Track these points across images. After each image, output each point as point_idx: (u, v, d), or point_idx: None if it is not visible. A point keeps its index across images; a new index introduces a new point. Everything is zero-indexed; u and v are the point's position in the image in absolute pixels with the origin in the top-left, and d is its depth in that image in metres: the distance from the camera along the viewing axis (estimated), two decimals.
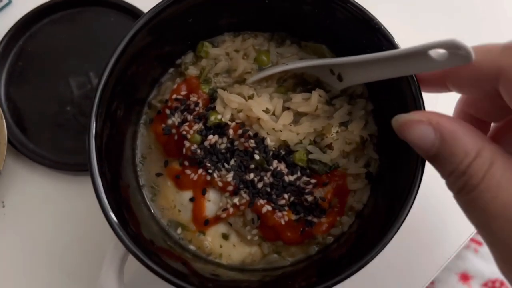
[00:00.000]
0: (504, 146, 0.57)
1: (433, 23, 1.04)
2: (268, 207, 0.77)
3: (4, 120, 0.92)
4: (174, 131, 0.81)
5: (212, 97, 0.82)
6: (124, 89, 0.75)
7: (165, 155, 0.83)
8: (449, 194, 0.91)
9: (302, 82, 0.83)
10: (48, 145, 0.95)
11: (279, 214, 0.77)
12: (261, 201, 0.77)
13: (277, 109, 0.80)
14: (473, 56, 0.55)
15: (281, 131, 0.78)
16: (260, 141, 0.79)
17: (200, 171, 0.79)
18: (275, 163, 0.78)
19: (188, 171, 0.80)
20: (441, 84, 0.66)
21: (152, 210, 0.83)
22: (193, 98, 0.81)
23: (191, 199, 0.80)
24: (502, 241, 0.54)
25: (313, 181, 0.78)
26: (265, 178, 0.78)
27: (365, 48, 0.75)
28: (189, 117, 0.80)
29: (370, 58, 0.67)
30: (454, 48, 0.56)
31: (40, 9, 1.00)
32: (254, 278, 0.78)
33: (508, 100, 0.56)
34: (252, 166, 0.78)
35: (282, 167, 0.78)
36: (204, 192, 0.80)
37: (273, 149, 0.79)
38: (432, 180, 0.68)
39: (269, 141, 0.79)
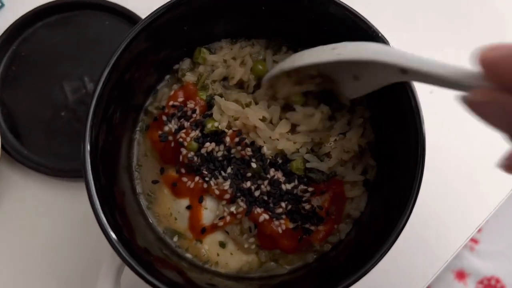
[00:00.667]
0: None
1: (433, 25, 1.05)
2: (265, 216, 0.77)
3: None
4: (170, 138, 0.80)
5: (209, 104, 0.82)
6: (120, 96, 0.74)
7: (162, 162, 0.83)
8: (447, 196, 0.92)
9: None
10: (43, 151, 0.93)
11: (276, 222, 0.77)
12: (258, 210, 0.77)
13: (274, 118, 0.80)
14: None
15: (278, 139, 0.78)
16: (257, 149, 0.78)
17: (197, 178, 0.79)
18: (272, 171, 0.78)
19: (185, 179, 0.79)
20: None
21: (148, 218, 0.82)
22: (190, 104, 0.81)
23: (188, 207, 0.80)
24: None
25: (310, 189, 0.78)
26: (262, 186, 0.77)
27: None
28: (186, 124, 0.80)
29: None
30: None
31: (34, 12, 0.98)
32: (251, 287, 0.77)
33: None
34: (249, 174, 0.78)
35: (279, 175, 0.78)
36: (201, 200, 0.79)
37: (270, 157, 0.79)
38: (430, 182, 0.68)
39: (265, 150, 0.78)
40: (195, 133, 0.79)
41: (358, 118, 0.81)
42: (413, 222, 0.68)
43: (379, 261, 0.66)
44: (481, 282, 1.64)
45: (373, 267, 0.66)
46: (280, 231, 0.77)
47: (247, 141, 0.78)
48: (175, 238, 0.81)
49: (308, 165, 0.78)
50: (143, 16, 0.94)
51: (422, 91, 0.69)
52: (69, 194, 0.94)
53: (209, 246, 0.80)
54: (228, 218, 0.78)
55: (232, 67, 0.83)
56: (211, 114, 0.80)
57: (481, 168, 0.97)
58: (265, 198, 0.78)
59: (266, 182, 0.78)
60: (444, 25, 1.04)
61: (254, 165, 0.77)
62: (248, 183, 0.78)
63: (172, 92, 0.83)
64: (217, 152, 0.79)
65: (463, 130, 0.99)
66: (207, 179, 0.78)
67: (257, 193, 0.78)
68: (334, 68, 0.73)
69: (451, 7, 1.05)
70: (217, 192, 0.78)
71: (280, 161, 0.79)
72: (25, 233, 0.93)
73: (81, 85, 0.96)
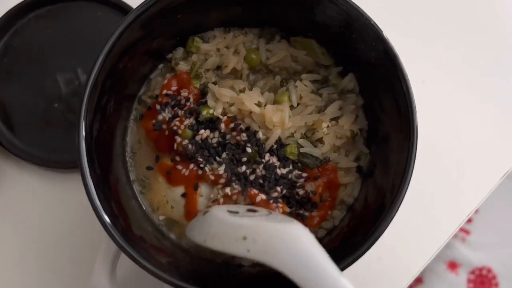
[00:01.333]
0: None
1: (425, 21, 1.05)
2: (262, 196, 0.77)
3: None
4: (164, 126, 0.81)
5: (203, 92, 0.82)
6: (113, 85, 0.74)
7: (156, 150, 0.83)
8: (438, 185, 0.93)
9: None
10: (37, 143, 0.93)
11: (274, 205, 0.77)
12: (255, 191, 0.77)
13: (269, 103, 0.80)
14: None
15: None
16: (252, 134, 0.79)
17: (191, 166, 0.79)
18: (267, 156, 0.78)
19: (179, 167, 0.79)
20: None
21: (143, 206, 0.82)
22: (184, 93, 0.81)
23: (183, 195, 0.80)
24: None
25: (304, 174, 0.79)
26: (258, 170, 0.78)
27: (355, 43, 0.76)
28: (180, 112, 0.80)
29: None
30: None
31: (25, 3, 0.98)
32: (247, 274, 0.78)
33: None
34: (244, 159, 0.78)
35: (274, 160, 0.78)
36: (196, 188, 0.79)
37: (265, 142, 0.79)
38: (421, 171, 0.69)
39: (261, 135, 0.79)
40: (189, 121, 0.79)
41: (350, 105, 0.81)
42: (404, 211, 0.69)
43: (370, 247, 0.67)
44: (472, 272, 1.66)
45: (363, 254, 0.67)
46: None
47: (242, 126, 0.79)
48: (171, 226, 0.81)
49: (302, 150, 0.79)
50: (134, 7, 0.95)
51: (414, 80, 0.70)
52: (63, 186, 0.94)
53: None
54: (221, 200, 0.78)
55: (225, 55, 0.83)
56: (205, 102, 0.80)
57: (471, 157, 0.99)
58: (261, 181, 0.78)
59: (261, 166, 0.78)
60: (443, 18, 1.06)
61: (249, 150, 0.78)
62: (243, 167, 0.78)
63: (166, 81, 0.83)
64: (211, 139, 0.79)
65: (453, 120, 1.00)
66: (202, 165, 0.78)
67: (252, 177, 0.78)
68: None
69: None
70: (212, 177, 0.78)
71: (275, 146, 0.79)
72: (19, 224, 0.93)
73: (74, 77, 0.96)
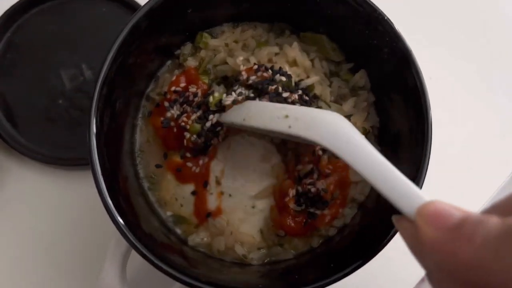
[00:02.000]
0: None
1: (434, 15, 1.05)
2: None
3: None
4: (173, 123, 0.79)
5: (210, 87, 0.81)
6: (122, 82, 0.73)
7: (165, 148, 0.82)
8: (445, 184, 0.92)
9: None
10: (40, 140, 0.92)
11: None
12: None
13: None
14: None
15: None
16: (279, 69, 0.76)
17: (201, 162, 0.78)
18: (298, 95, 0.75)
19: (189, 164, 0.78)
20: None
21: (152, 204, 0.81)
22: (192, 89, 0.80)
23: (193, 193, 0.79)
24: None
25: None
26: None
27: (367, 39, 0.75)
28: (188, 109, 0.79)
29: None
30: None
31: None
32: (257, 274, 0.77)
33: None
34: (273, 87, 0.74)
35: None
36: (205, 185, 0.78)
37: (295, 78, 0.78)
38: (429, 170, 0.68)
39: (287, 69, 0.78)
40: (196, 115, 0.77)
41: (362, 102, 0.81)
42: None
43: (383, 247, 0.66)
44: None
45: (377, 253, 0.66)
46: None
47: (266, 65, 0.77)
48: (179, 224, 0.80)
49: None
50: (140, 2, 0.94)
51: None
52: (67, 183, 0.93)
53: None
54: None
55: (233, 50, 0.82)
56: (212, 92, 0.77)
57: (479, 155, 0.99)
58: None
59: (295, 95, 0.74)
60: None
61: (283, 78, 0.74)
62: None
63: (174, 78, 0.82)
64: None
65: (460, 117, 1.00)
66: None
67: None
68: None
69: None
70: None
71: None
72: (24, 221, 0.92)
73: (78, 73, 0.95)
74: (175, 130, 0.79)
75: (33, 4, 0.98)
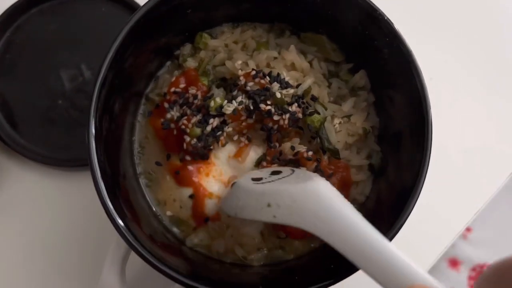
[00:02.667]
0: None
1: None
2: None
3: None
4: (173, 125, 0.79)
5: (211, 89, 0.80)
6: (121, 82, 0.73)
7: (166, 149, 0.81)
8: (444, 184, 0.92)
9: None
10: (40, 141, 0.92)
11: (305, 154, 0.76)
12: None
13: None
14: None
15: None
16: (276, 76, 0.77)
17: (201, 167, 0.78)
18: (294, 106, 0.76)
19: (190, 167, 0.78)
20: None
21: (149, 202, 0.81)
22: (192, 90, 0.79)
23: (191, 196, 0.78)
24: None
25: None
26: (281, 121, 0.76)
27: (367, 39, 0.75)
28: (188, 111, 0.78)
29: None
30: None
31: None
32: (257, 276, 0.77)
33: None
34: (269, 103, 0.75)
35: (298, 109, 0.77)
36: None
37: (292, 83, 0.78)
38: (431, 173, 0.68)
39: (285, 75, 0.78)
40: (196, 118, 0.77)
41: (361, 102, 0.81)
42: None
43: None
44: (473, 269, 1.66)
45: None
46: None
47: (264, 71, 0.77)
48: (179, 226, 0.80)
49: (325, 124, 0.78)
50: (139, 2, 0.94)
51: None
52: (68, 183, 0.93)
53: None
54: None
55: (233, 51, 0.82)
56: (212, 96, 0.77)
57: (478, 155, 0.98)
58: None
59: (287, 115, 0.76)
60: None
61: (278, 94, 0.75)
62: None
63: (174, 79, 0.82)
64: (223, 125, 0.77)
65: (460, 118, 1.00)
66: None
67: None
68: None
69: None
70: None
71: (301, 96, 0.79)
72: (24, 222, 0.92)
73: (78, 73, 0.95)
74: (175, 132, 0.79)
75: (33, 4, 0.97)
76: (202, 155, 0.77)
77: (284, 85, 0.77)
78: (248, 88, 0.76)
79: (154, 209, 0.81)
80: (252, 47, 0.83)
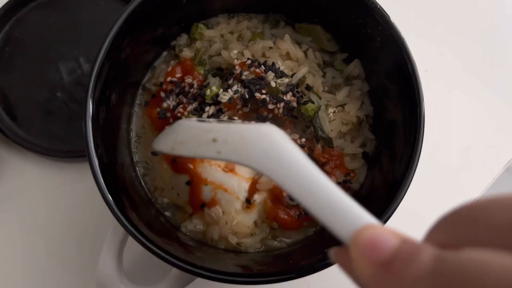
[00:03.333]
0: None
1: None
2: None
3: None
4: (169, 114, 0.80)
5: (206, 78, 0.81)
6: (118, 73, 0.74)
7: None
8: (438, 175, 0.92)
9: None
10: (40, 132, 0.93)
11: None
12: None
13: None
14: None
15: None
16: (271, 66, 0.78)
17: None
18: (289, 95, 0.77)
19: None
20: None
21: (148, 191, 0.82)
22: (188, 79, 0.80)
23: (188, 183, 0.79)
24: None
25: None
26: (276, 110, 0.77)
27: (361, 28, 0.76)
28: (184, 99, 0.79)
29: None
30: None
31: None
32: (251, 260, 0.78)
33: None
34: (264, 91, 0.76)
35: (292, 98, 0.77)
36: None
37: (287, 72, 0.79)
38: (422, 162, 0.68)
39: (280, 64, 0.78)
40: (192, 106, 0.78)
41: (355, 91, 0.81)
42: (404, 202, 0.68)
43: None
44: None
45: None
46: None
47: (259, 60, 0.78)
48: (175, 212, 0.81)
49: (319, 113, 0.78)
50: None
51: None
52: (67, 174, 0.94)
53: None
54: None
55: (229, 41, 0.83)
56: (208, 84, 0.78)
57: (472, 148, 0.99)
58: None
59: (281, 104, 0.76)
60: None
61: (273, 83, 0.76)
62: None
63: (170, 68, 0.83)
64: (220, 116, 0.78)
65: (455, 111, 1.00)
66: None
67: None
68: None
69: None
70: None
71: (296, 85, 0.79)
72: (24, 213, 0.93)
73: (76, 66, 0.96)
74: (171, 121, 0.79)
75: None
76: None
77: (279, 74, 0.78)
78: (243, 77, 0.77)
79: (150, 196, 0.82)
80: (248, 38, 0.83)
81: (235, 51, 0.80)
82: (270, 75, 0.76)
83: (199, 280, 0.69)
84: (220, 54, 0.82)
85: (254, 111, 0.78)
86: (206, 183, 0.78)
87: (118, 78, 0.75)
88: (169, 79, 0.81)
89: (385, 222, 0.67)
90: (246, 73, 0.77)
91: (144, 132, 0.84)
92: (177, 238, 0.77)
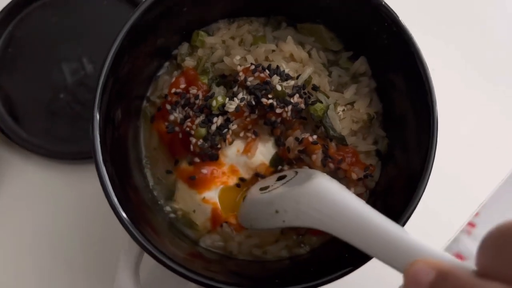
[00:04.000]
0: None
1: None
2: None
3: None
4: (177, 129, 0.78)
5: (211, 87, 0.80)
6: (122, 89, 0.72)
7: (172, 154, 0.80)
8: (445, 177, 0.89)
9: None
10: (42, 134, 0.92)
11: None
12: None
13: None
14: None
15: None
16: (275, 69, 0.77)
17: (212, 169, 0.77)
18: (296, 97, 0.75)
19: (204, 170, 0.77)
20: None
21: (162, 206, 0.81)
22: (193, 90, 0.78)
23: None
24: None
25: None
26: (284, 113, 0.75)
27: (365, 26, 0.75)
28: (191, 112, 0.77)
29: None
30: None
31: None
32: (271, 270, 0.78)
33: None
34: (270, 96, 0.75)
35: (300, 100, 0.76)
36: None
37: (292, 75, 0.77)
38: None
39: (284, 67, 0.77)
40: (199, 119, 0.76)
41: (363, 88, 0.80)
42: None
43: None
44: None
45: None
46: None
47: (263, 65, 0.76)
48: (192, 229, 0.80)
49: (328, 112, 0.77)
50: None
51: None
52: (71, 176, 0.93)
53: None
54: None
55: (231, 46, 0.81)
56: (212, 95, 0.77)
57: (481, 148, 0.98)
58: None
59: (289, 107, 0.75)
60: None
61: (279, 87, 0.74)
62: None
63: (173, 79, 0.81)
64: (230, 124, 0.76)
65: (462, 110, 0.99)
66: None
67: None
68: None
69: None
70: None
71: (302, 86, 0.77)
72: (26, 216, 0.92)
73: (80, 67, 0.94)
74: (180, 135, 0.78)
75: None
76: (211, 156, 0.76)
77: (284, 77, 0.76)
78: (248, 83, 0.75)
79: (165, 209, 0.81)
80: (250, 42, 0.82)
81: (238, 57, 0.78)
82: (275, 78, 0.75)
83: None
84: (222, 61, 0.80)
85: (261, 116, 0.76)
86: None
87: (123, 94, 0.74)
88: (173, 90, 0.79)
89: (407, 219, 0.66)
90: (250, 78, 0.75)
91: (153, 147, 0.82)
92: (195, 252, 0.77)
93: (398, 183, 0.75)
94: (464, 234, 1.64)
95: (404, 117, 0.75)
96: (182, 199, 0.80)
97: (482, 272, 0.41)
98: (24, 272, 0.91)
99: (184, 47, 0.83)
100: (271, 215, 0.66)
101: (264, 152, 0.78)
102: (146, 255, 0.66)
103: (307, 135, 0.76)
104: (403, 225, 0.66)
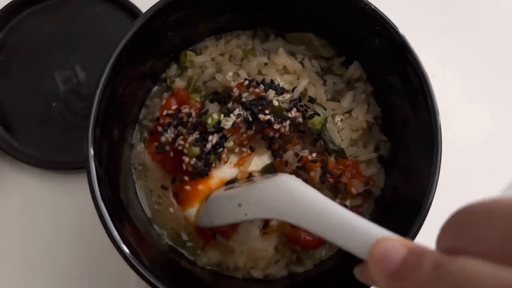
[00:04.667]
0: None
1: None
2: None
3: None
4: (168, 148, 0.76)
5: (204, 105, 0.78)
6: (114, 114, 0.71)
7: (168, 173, 0.79)
8: (452, 178, 0.85)
9: None
10: (34, 143, 0.90)
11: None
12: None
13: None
14: None
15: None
16: (270, 83, 0.75)
17: (200, 186, 0.75)
18: (293, 111, 0.74)
19: (187, 187, 0.75)
20: None
21: (156, 229, 0.79)
22: (185, 109, 0.77)
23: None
24: None
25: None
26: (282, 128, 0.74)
27: (356, 30, 0.73)
28: (184, 130, 0.75)
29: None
30: None
31: None
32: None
33: None
34: (267, 112, 0.73)
35: (297, 114, 0.75)
36: None
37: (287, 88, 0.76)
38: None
39: (279, 80, 0.76)
40: (192, 137, 0.74)
41: (360, 94, 0.78)
42: None
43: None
44: None
45: None
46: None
47: (257, 80, 0.75)
48: (185, 247, 0.78)
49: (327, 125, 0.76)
50: (133, 2, 0.92)
51: None
52: (63, 186, 0.91)
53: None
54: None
55: (221, 63, 0.80)
56: (206, 112, 0.75)
57: (480, 154, 0.96)
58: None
59: (287, 122, 0.74)
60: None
61: (275, 102, 0.73)
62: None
63: (164, 101, 0.80)
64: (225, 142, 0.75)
65: (463, 114, 0.97)
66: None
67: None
68: None
69: None
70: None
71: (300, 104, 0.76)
72: (19, 227, 0.90)
73: (72, 75, 0.92)
74: (171, 154, 0.76)
75: (27, 4, 0.95)
76: (201, 172, 0.74)
77: (280, 91, 0.75)
78: (243, 99, 0.73)
79: (159, 232, 0.79)
80: (240, 56, 0.80)
81: (230, 73, 0.76)
82: (271, 93, 0.73)
83: None
84: (214, 79, 0.78)
85: (258, 132, 0.75)
86: None
87: (115, 119, 0.72)
88: (165, 112, 0.78)
89: (421, 224, 0.64)
90: (245, 94, 0.73)
91: (146, 169, 0.81)
92: (193, 274, 0.76)
93: (405, 187, 0.73)
94: None
95: (404, 116, 0.74)
96: (168, 215, 0.79)
97: (446, 252, 0.40)
98: (16, 281, 0.90)
99: (173, 69, 0.81)
100: (234, 208, 0.66)
101: (258, 163, 0.77)
102: None
103: (306, 152, 0.74)
104: (418, 228, 0.64)
